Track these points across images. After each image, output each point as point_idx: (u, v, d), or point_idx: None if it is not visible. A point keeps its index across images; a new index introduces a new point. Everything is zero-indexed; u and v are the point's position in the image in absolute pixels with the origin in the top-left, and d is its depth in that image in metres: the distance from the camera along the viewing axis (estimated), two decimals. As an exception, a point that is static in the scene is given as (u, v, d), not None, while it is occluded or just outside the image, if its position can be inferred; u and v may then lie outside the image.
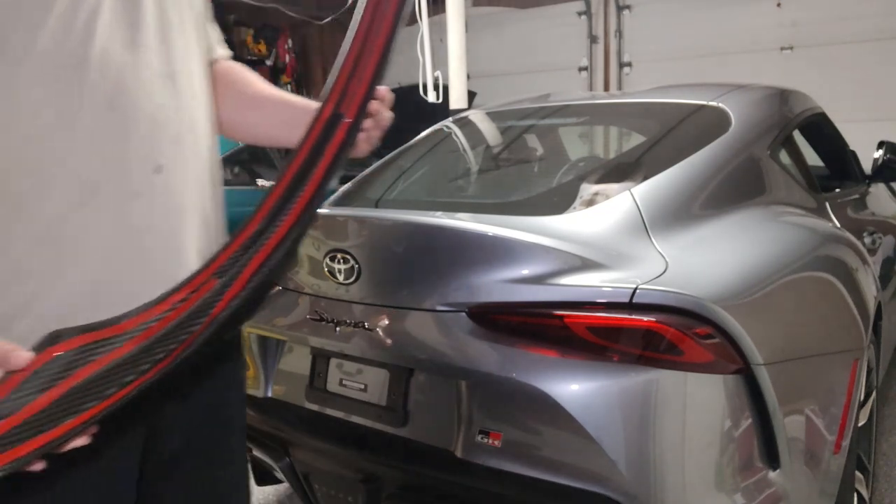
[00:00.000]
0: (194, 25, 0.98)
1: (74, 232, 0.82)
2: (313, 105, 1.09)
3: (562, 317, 1.30)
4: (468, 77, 4.34)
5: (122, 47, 0.84)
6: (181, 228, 0.92)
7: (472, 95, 4.98)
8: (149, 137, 0.87)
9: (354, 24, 0.87)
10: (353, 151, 0.91)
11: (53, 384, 0.69)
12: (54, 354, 0.70)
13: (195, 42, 0.97)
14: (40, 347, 0.71)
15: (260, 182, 4.04)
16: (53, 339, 0.71)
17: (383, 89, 0.96)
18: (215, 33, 1.15)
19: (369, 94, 0.87)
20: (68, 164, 0.81)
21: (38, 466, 0.70)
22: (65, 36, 0.79)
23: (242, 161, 4.08)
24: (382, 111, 0.96)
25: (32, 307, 0.81)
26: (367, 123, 0.92)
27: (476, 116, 2.52)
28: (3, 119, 0.77)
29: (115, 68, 0.83)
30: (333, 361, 1.64)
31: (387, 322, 1.49)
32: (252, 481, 1.92)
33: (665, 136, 1.90)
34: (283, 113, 1.13)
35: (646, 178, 1.63)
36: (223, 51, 1.17)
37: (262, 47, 7.84)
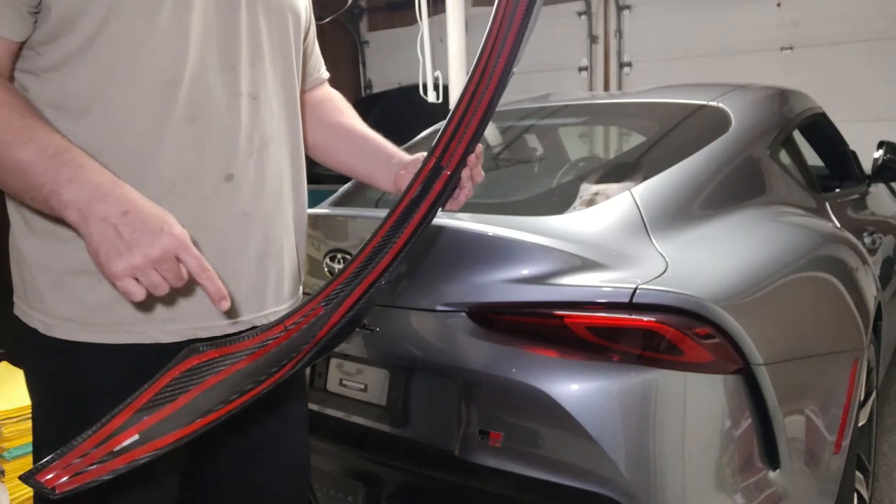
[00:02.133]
0: (283, 51, 1.06)
1: None
2: (388, 144, 1.25)
3: (562, 317, 1.30)
4: (468, 77, 4.33)
5: (213, 69, 0.94)
6: (244, 234, 1.01)
7: (472, 95, 4.97)
8: (223, 148, 0.97)
9: (465, 82, 0.97)
10: (450, 204, 1.03)
11: (189, 388, 0.83)
12: (192, 364, 0.83)
13: (282, 65, 1.06)
14: (180, 359, 0.83)
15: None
16: (191, 351, 0.83)
17: (480, 147, 1.05)
18: (319, 57, 1.29)
19: (469, 151, 0.96)
20: (154, 164, 0.92)
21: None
22: (164, 59, 0.90)
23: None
24: (478, 166, 1.04)
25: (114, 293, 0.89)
26: (464, 174, 1.01)
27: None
28: (110, 126, 0.90)
29: (203, 87, 0.93)
30: (333, 361, 1.64)
31: (387, 322, 1.49)
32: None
33: (665, 136, 1.90)
34: (360, 146, 1.25)
35: (646, 178, 1.63)
36: (324, 73, 1.32)
37: (262, 47, 7.83)
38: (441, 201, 0.97)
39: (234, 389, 0.86)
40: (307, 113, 1.25)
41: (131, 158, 0.91)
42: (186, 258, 0.82)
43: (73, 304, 0.95)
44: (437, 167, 0.95)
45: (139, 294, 0.81)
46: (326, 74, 1.33)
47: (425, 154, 0.99)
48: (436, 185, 0.95)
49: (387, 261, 0.94)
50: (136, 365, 0.94)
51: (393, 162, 1.23)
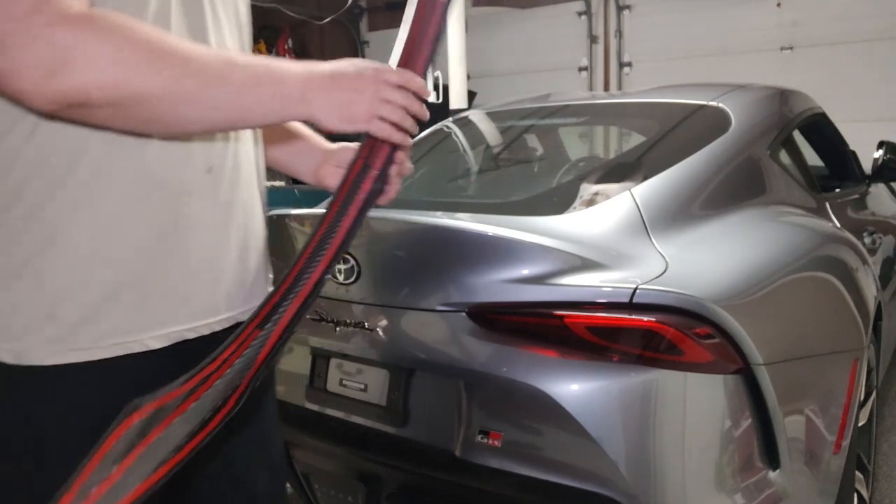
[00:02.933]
0: (240, 33, 1.04)
1: (133, 223, 0.88)
2: (308, 131, 1.23)
3: (562, 317, 1.30)
4: (468, 77, 4.34)
5: None
6: (225, 226, 0.99)
7: (472, 95, 4.98)
8: (204, 139, 0.95)
9: None
10: (380, 199, 1.02)
11: (135, 445, 0.82)
12: (134, 422, 0.83)
13: (239, 47, 1.04)
14: (122, 417, 0.83)
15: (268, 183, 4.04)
16: (131, 408, 0.83)
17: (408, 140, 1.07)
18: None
19: (394, 149, 0.96)
20: (144, 161, 0.88)
21: None
22: None
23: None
24: (406, 162, 1.04)
25: (84, 286, 0.87)
26: (392, 171, 1.01)
27: (476, 116, 2.52)
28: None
29: None
30: (333, 361, 1.64)
31: (387, 322, 1.49)
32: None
33: (665, 136, 1.90)
34: (279, 135, 1.22)
35: (646, 178, 1.63)
36: None
37: (262, 47, 7.83)
38: (370, 202, 0.97)
39: (183, 433, 0.85)
40: None
41: (123, 156, 0.86)
42: (409, 80, 0.90)
43: (50, 324, 0.86)
44: (364, 167, 0.95)
45: (394, 133, 0.90)
46: None
47: (346, 144, 1.00)
48: (363, 184, 0.95)
49: (323, 264, 0.93)
50: (122, 381, 0.89)
51: (314, 153, 1.22)
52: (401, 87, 0.90)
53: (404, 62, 0.93)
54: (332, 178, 1.21)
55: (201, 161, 0.95)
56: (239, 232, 1.03)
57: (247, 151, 1.04)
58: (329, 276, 0.95)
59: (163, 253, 0.91)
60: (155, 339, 0.93)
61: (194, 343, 0.97)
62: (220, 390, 0.88)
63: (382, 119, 0.89)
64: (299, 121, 0.89)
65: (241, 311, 1.04)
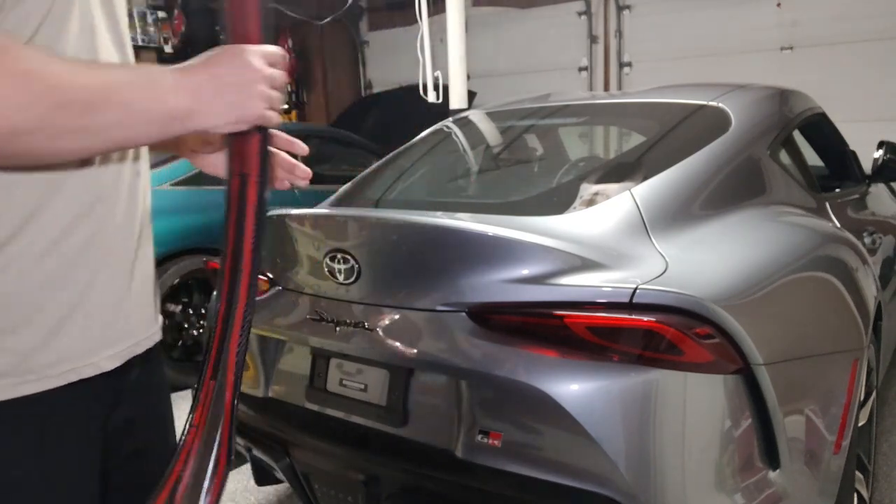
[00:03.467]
0: (123, 34, 1.00)
1: (78, 242, 0.86)
2: None
3: (562, 317, 1.30)
4: (468, 77, 4.34)
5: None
6: (145, 234, 0.98)
7: (472, 95, 4.98)
8: (118, 156, 0.92)
9: None
10: (298, 182, 1.01)
11: None
12: None
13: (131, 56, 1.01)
14: None
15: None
16: None
17: (296, 144, 1.06)
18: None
19: (264, 147, 0.89)
20: (73, 183, 0.85)
21: None
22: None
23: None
24: (298, 167, 1.03)
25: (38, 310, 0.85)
26: (282, 173, 0.97)
27: (476, 116, 2.52)
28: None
29: None
30: (333, 361, 1.64)
31: (387, 322, 1.49)
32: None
33: (665, 136, 1.90)
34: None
35: (646, 178, 1.63)
36: None
37: (262, 47, 7.83)
38: (262, 209, 0.90)
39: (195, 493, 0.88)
40: None
41: (50, 177, 0.83)
42: (272, 56, 0.84)
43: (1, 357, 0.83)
44: (242, 177, 0.88)
45: (276, 118, 0.84)
46: None
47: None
48: (248, 197, 0.89)
49: (243, 299, 0.90)
50: (63, 410, 0.88)
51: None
52: (275, 66, 0.84)
53: (240, 36, 0.85)
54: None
55: (132, 168, 0.94)
56: (150, 243, 1.02)
57: (145, 168, 1.01)
58: (252, 303, 0.91)
59: (103, 268, 0.90)
60: (107, 359, 0.92)
61: (136, 360, 0.97)
62: (204, 447, 0.89)
63: (272, 108, 0.84)
64: (188, 133, 0.82)
65: (158, 327, 1.05)
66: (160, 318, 1.07)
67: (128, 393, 1.00)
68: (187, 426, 0.90)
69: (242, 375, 0.94)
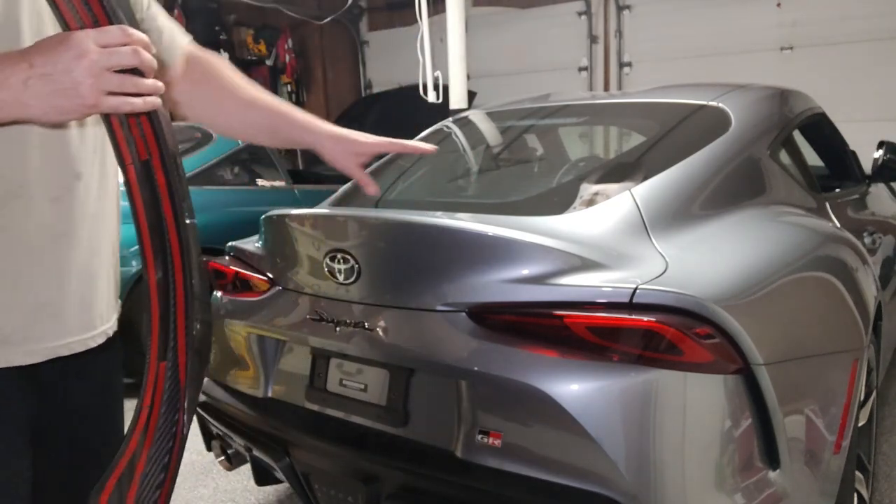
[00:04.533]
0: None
1: None
2: (296, 110, 1.21)
3: (562, 317, 1.30)
4: (468, 77, 4.34)
5: None
6: (96, 236, 0.96)
7: (472, 95, 4.97)
8: (73, 144, 0.91)
9: None
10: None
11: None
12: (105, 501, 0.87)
13: None
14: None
15: (260, 182, 4.04)
16: (97, 492, 0.87)
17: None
18: (172, 27, 1.17)
19: (158, 127, 0.86)
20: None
21: None
22: None
23: (242, 161, 4.07)
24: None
25: None
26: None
27: (476, 116, 2.52)
28: None
29: None
30: (333, 361, 1.64)
31: (387, 322, 1.49)
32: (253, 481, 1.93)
33: (665, 136, 1.90)
34: (255, 114, 1.21)
35: (646, 178, 1.63)
36: (182, 38, 1.19)
37: (262, 47, 7.84)
38: (175, 182, 0.89)
39: (154, 481, 0.89)
40: (198, 84, 1.19)
41: None
42: (106, 37, 0.77)
43: None
44: (142, 165, 0.85)
45: (126, 103, 0.78)
46: (187, 38, 1.22)
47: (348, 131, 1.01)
48: (157, 180, 0.87)
49: (180, 280, 0.89)
50: None
51: (317, 133, 1.23)
52: (114, 46, 0.77)
53: (86, 20, 0.79)
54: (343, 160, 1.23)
55: (69, 166, 0.91)
56: (108, 245, 1.00)
57: (113, 160, 0.98)
58: (195, 280, 0.90)
59: (24, 263, 0.89)
60: (22, 354, 0.91)
61: (65, 360, 0.96)
62: (164, 429, 0.90)
63: (114, 93, 0.78)
64: (13, 123, 0.79)
65: (110, 325, 1.03)
66: (109, 323, 1.04)
67: (61, 391, 1.00)
68: (137, 408, 0.89)
69: (202, 357, 0.92)
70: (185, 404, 0.92)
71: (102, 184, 0.98)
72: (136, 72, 0.80)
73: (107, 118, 0.83)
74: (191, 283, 0.90)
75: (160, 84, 0.82)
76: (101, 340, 1.02)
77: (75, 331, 0.96)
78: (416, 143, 1.36)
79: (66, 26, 0.79)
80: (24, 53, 0.77)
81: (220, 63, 1.23)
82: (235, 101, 1.21)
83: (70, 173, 0.92)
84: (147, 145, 0.85)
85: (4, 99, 0.75)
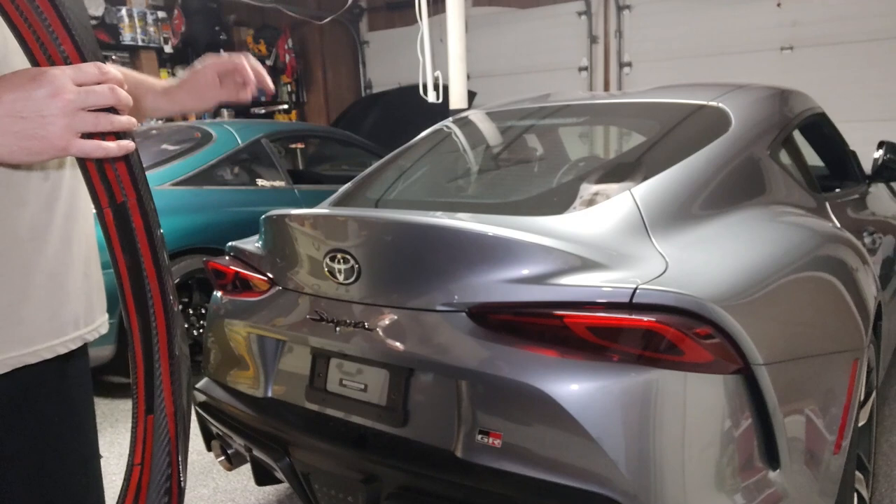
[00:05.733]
0: None
1: None
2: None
3: (562, 317, 1.30)
4: (468, 77, 4.34)
5: (16, 52, 0.83)
6: (69, 237, 0.93)
7: (472, 95, 4.98)
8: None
9: None
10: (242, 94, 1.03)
11: None
12: None
13: None
14: None
15: (260, 182, 4.04)
16: None
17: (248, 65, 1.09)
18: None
19: (133, 173, 0.83)
20: None
21: None
22: None
23: (242, 161, 4.08)
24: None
25: None
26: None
27: (476, 116, 2.52)
28: None
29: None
30: (333, 361, 1.64)
31: (387, 322, 1.49)
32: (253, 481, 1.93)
33: (665, 136, 1.90)
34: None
35: (646, 178, 1.63)
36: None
37: (262, 47, 7.84)
38: (151, 225, 0.85)
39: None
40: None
41: None
42: (82, 75, 0.74)
43: None
44: (119, 207, 0.82)
45: (99, 148, 0.75)
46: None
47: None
48: (134, 222, 0.83)
49: (162, 324, 0.86)
50: None
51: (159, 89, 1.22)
52: (89, 85, 0.74)
53: (56, 57, 0.76)
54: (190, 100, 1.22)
55: (38, 169, 0.87)
56: (82, 245, 0.96)
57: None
58: (173, 329, 0.88)
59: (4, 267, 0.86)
60: None
61: (37, 367, 0.92)
62: (159, 485, 0.88)
63: (87, 135, 0.75)
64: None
65: (88, 330, 0.99)
66: (87, 328, 1.00)
67: (24, 402, 0.95)
68: (129, 466, 0.86)
69: (185, 402, 0.89)
70: (179, 458, 0.88)
71: (74, 182, 0.94)
72: (111, 109, 0.77)
73: (81, 160, 0.80)
74: (173, 329, 0.86)
75: (134, 121, 0.79)
76: (73, 346, 0.97)
77: (36, 339, 0.92)
78: (245, 64, 1.25)
79: (34, 62, 0.75)
80: None
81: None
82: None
83: (40, 176, 0.88)
84: (122, 188, 0.81)
85: None
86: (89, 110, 0.75)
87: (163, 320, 0.85)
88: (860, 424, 1.84)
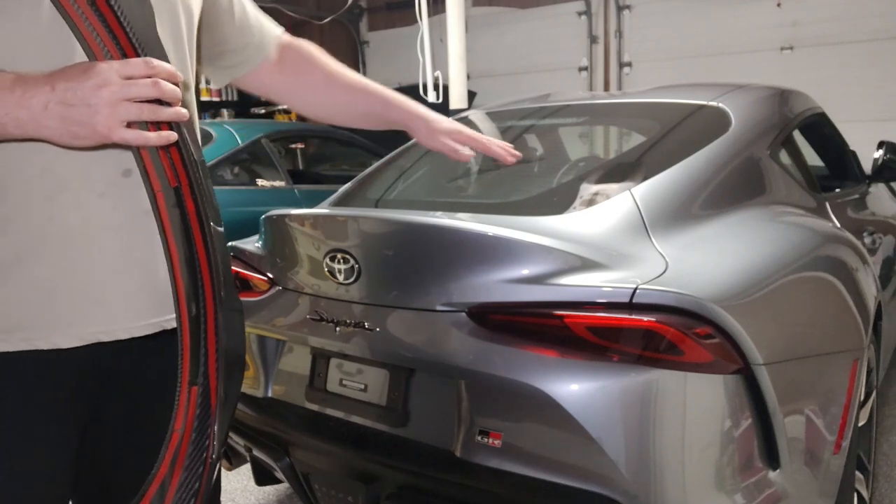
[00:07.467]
0: (184, 37, 1.02)
1: (40, 221, 0.89)
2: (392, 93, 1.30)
3: (562, 317, 1.30)
4: (468, 77, 4.34)
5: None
6: (144, 231, 0.96)
7: (472, 95, 4.98)
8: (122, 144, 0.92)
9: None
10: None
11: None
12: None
13: (175, 54, 1.00)
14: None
15: (260, 182, 4.04)
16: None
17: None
18: (263, 21, 1.26)
19: (186, 154, 0.88)
20: (45, 160, 0.88)
21: None
22: (50, 58, 0.85)
23: (242, 161, 4.07)
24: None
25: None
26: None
27: (476, 116, 2.52)
28: None
29: None
30: (333, 361, 1.64)
31: (387, 322, 1.49)
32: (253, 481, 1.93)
33: (665, 136, 1.90)
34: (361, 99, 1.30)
35: (646, 178, 1.63)
36: (275, 30, 1.29)
37: (262, 47, 7.84)
38: (202, 209, 0.90)
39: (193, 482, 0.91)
40: (294, 74, 1.27)
41: (20, 155, 0.87)
42: (129, 68, 0.80)
43: None
44: (172, 193, 0.87)
45: (140, 137, 0.81)
46: (279, 30, 1.31)
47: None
48: (186, 207, 0.88)
49: (210, 302, 0.89)
50: (26, 376, 0.92)
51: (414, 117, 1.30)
52: (136, 78, 0.80)
53: (113, 52, 0.82)
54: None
55: (115, 164, 0.93)
56: (156, 239, 1.00)
57: None
58: (221, 305, 0.91)
59: (71, 253, 0.91)
60: (66, 338, 0.93)
61: (110, 346, 0.97)
62: (195, 455, 0.91)
63: (132, 124, 0.81)
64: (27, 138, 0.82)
65: (164, 318, 1.03)
66: (162, 317, 1.03)
67: (106, 382, 1.02)
68: (169, 431, 0.90)
69: (226, 381, 0.93)
70: (216, 430, 0.92)
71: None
72: (161, 101, 0.82)
73: (135, 148, 0.85)
74: (220, 314, 0.91)
75: (182, 111, 0.85)
76: (148, 331, 1.01)
77: (118, 319, 0.97)
78: (497, 145, 1.39)
79: (92, 56, 0.81)
80: (49, 77, 0.80)
81: (314, 51, 1.31)
82: (331, 88, 1.29)
83: (117, 170, 0.94)
84: (176, 173, 0.87)
85: (23, 118, 0.79)
86: (135, 101, 0.80)
87: (211, 305, 0.90)
88: (860, 424, 1.84)
